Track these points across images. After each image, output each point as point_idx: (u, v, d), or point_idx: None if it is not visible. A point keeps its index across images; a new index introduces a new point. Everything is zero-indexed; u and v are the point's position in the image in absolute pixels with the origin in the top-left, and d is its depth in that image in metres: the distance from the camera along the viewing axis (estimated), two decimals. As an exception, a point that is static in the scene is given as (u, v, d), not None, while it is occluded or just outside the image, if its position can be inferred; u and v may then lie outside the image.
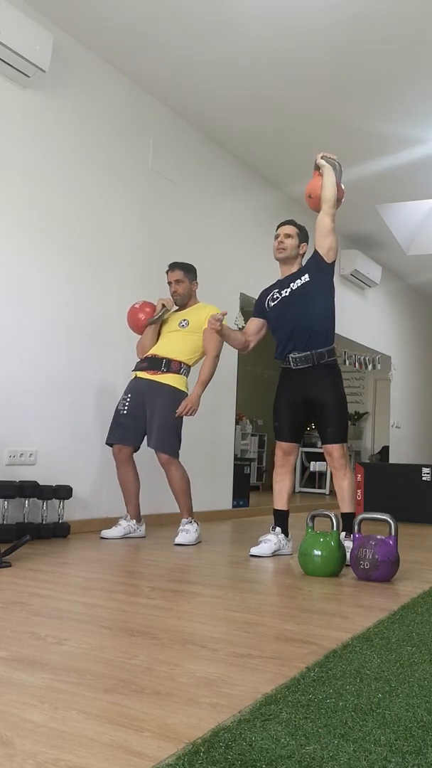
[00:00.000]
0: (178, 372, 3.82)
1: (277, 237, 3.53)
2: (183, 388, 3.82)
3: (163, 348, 3.85)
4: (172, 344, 3.85)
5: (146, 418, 3.79)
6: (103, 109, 4.36)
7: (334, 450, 3.37)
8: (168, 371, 3.80)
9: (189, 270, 3.98)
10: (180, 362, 3.82)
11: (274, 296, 3.54)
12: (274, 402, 3.54)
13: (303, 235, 3.56)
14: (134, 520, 3.87)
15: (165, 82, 4.57)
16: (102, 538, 3.76)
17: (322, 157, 3.48)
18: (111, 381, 4.29)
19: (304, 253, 3.57)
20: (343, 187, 3.55)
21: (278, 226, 3.57)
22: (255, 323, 3.63)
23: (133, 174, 4.57)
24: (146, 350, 3.94)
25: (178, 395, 3.79)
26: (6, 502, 3.55)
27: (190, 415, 3.78)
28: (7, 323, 3.68)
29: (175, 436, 3.76)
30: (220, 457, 5.46)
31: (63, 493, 3.73)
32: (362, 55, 4.15)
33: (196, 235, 5.02)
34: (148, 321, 3.94)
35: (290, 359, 3.45)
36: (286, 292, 3.49)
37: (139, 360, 3.94)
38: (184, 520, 3.78)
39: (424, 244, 7.75)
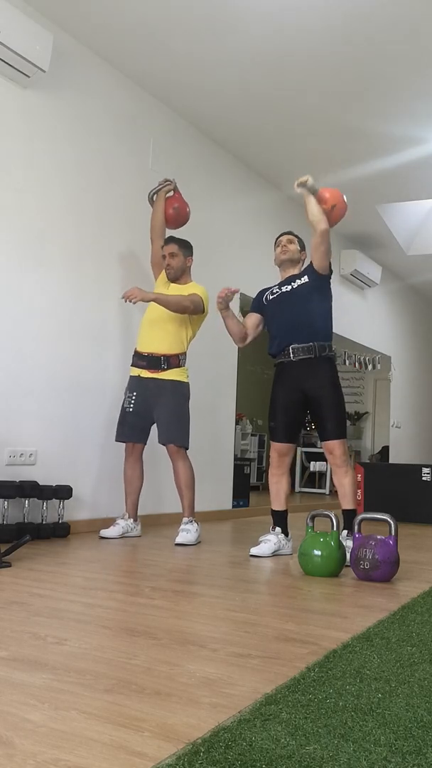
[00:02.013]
0: (178, 365, 3.85)
1: (279, 244, 3.63)
2: (185, 379, 3.88)
3: (158, 343, 3.84)
4: (165, 337, 3.84)
5: (152, 416, 3.83)
6: (103, 109, 4.36)
7: (335, 447, 3.36)
8: (168, 368, 3.83)
9: (184, 245, 3.99)
10: (177, 355, 3.85)
11: (274, 290, 3.63)
12: (270, 402, 3.56)
13: (302, 244, 3.68)
14: (131, 519, 3.89)
15: (165, 82, 4.57)
16: (101, 537, 3.77)
17: (298, 186, 3.45)
18: (111, 381, 4.29)
19: (303, 260, 3.68)
20: (344, 199, 3.53)
21: (278, 237, 3.69)
22: (253, 318, 3.69)
23: (132, 174, 4.57)
24: (156, 229, 4.14)
25: (181, 387, 3.85)
26: (6, 502, 3.55)
27: (127, 297, 3.63)
28: (8, 323, 3.68)
29: (183, 428, 3.80)
30: (220, 457, 5.46)
31: (63, 493, 3.73)
32: (362, 55, 4.15)
33: (196, 235, 5.01)
34: (149, 194, 4.25)
35: (290, 350, 3.47)
36: (286, 288, 3.57)
37: (136, 354, 3.92)
38: (185, 519, 3.78)
39: (424, 244, 7.75)
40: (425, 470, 5.90)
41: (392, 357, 8.86)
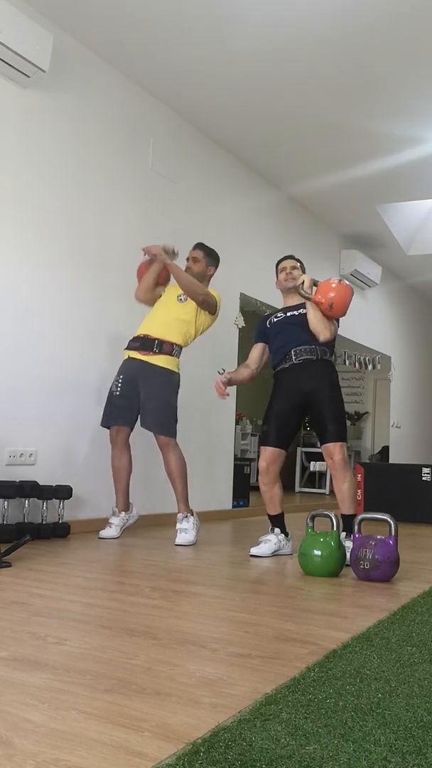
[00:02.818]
0: (170, 353, 3.80)
1: (284, 270, 3.63)
2: (175, 369, 3.83)
3: (157, 327, 3.82)
4: (167, 324, 3.82)
5: (139, 399, 3.78)
6: (103, 109, 4.36)
7: (335, 451, 3.32)
8: (160, 352, 3.78)
9: (210, 254, 4.02)
10: (172, 344, 3.81)
11: (278, 315, 3.63)
12: (267, 407, 3.55)
13: (304, 269, 3.72)
14: (123, 512, 3.85)
15: (165, 82, 4.57)
16: (100, 538, 3.76)
17: (298, 289, 3.50)
18: (111, 381, 4.28)
19: None
20: (342, 288, 3.42)
21: (280, 261, 3.69)
22: (257, 349, 3.67)
23: (133, 174, 4.57)
24: (144, 293, 3.97)
25: (171, 376, 3.80)
26: (6, 502, 3.55)
27: (147, 252, 3.84)
28: (7, 323, 3.68)
29: (171, 417, 3.76)
30: (220, 457, 5.46)
31: (63, 493, 3.73)
32: (362, 55, 4.15)
33: (197, 235, 5.01)
34: (143, 260, 4.09)
35: (292, 353, 3.47)
36: (292, 312, 3.58)
37: (132, 338, 3.91)
38: (180, 516, 3.76)
39: (424, 244, 7.74)
40: (425, 470, 5.90)
41: (392, 357, 8.86)
